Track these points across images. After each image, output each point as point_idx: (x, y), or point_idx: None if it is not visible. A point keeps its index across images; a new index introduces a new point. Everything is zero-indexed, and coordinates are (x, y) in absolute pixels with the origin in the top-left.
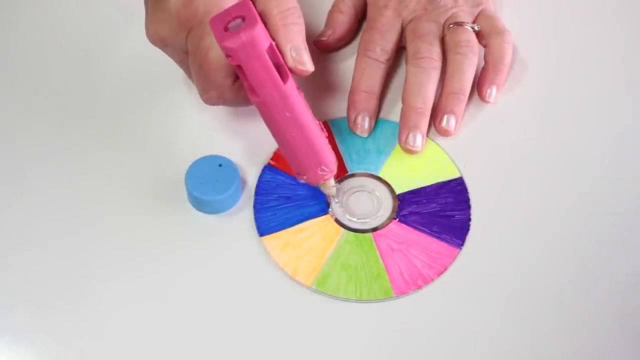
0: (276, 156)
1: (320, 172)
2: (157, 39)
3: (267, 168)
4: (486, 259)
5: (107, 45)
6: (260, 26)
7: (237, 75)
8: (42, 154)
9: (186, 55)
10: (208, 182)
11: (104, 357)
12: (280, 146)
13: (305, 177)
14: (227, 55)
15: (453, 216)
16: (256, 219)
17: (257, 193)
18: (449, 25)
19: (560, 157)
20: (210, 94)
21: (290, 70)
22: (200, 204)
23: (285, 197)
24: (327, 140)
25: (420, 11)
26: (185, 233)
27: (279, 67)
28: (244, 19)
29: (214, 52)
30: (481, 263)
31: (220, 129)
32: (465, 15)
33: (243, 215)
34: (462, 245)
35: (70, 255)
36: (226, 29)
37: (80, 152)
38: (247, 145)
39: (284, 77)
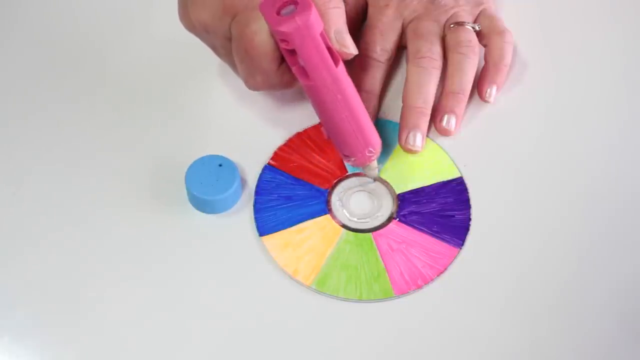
0: (276, 156)
1: (367, 154)
2: (199, 25)
3: (267, 168)
4: (486, 259)
5: (107, 45)
6: (314, 10)
7: (282, 59)
8: (42, 154)
9: (228, 41)
10: (208, 182)
11: (104, 357)
12: (328, 129)
13: (353, 159)
14: (282, 40)
15: (453, 216)
16: (256, 219)
17: (257, 193)
18: (450, 25)
19: (560, 157)
20: (256, 79)
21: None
22: (200, 204)
23: (285, 197)
24: (372, 123)
25: (421, 11)
26: (185, 233)
27: (330, 51)
28: (296, 3)
29: (261, 37)
30: (481, 263)
31: (220, 129)
32: (466, 15)
33: (243, 215)
34: (462, 245)
35: (70, 255)
36: (279, 14)
37: (80, 152)
38: (247, 145)
39: (335, 60)
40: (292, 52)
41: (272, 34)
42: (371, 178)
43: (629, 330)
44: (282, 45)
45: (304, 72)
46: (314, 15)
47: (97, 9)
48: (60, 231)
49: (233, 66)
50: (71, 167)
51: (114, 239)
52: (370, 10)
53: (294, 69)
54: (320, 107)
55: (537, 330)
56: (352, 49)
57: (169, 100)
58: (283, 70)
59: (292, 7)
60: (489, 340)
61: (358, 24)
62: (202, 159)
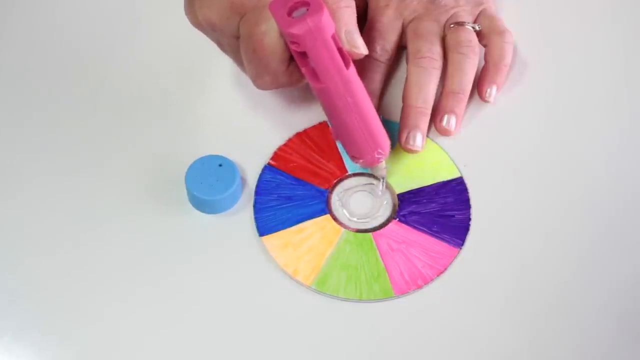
0: (276, 156)
1: (376, 155)
2: (207, 24)
3: (267, 168)
4: (486, 259)
5: (107, 45)
6: (326, 11)
7: (291, 59)
8: (42, 154)
9: (236, 40)
10: (208, 182)
11: (103, 357)
12: (337, 131)
13: (361, 160)
14: (292, 42)
15: (453, 216)
16: (256, 219)
17: (257, 193)
18: (450, 25)
19: (560, 157)
20: (264, 79)
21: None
22: (200, 204)
23: (285, 197)
24: (381, 124)
25: (421, 11)
26: (185, 233)
27: (341, 52)
28: (307, 4)
29: (269, 37)
30: (481, 263)
31: (220, 129)
32: (466, 15)
33: (243, 215)
34: (462, 245)
35: (70, 255)
36: (289, 15)
37: (80, 152)
38: (247, 145)
39: (346, 62)
40: (303, 53)
41: (282, 34)
42: (379, 177)
43: (629, 330)
44: (293, 47)
45: (314, 74)
46: (325, 17)
47: (98, 9)
48: (60, 231)
49: (240, 64)
50: (71, 167)
51: (114, 238)
52: (370, 10)
53: (303, 69)
54: (330, 109)
55: (537, 330)
56: (362, 49)
57: (169, 100)
58: (292, 70)
59: (303, 9)
60: (488, 340)
61: (358, 24)
62: (202, 159)
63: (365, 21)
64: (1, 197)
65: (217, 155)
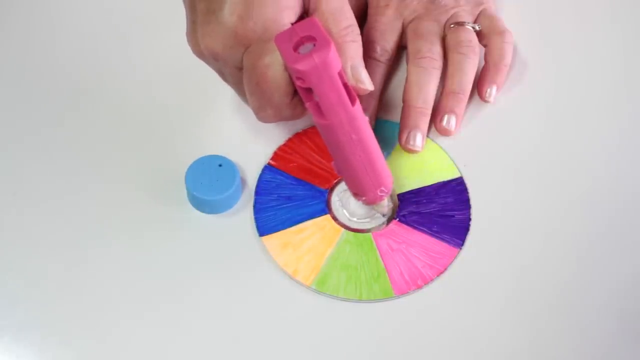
0: (276, 156)
1: (379, 193)
2: (209, 53)
3: (267, 168)
4: (486, 259)
5: (108, 46)
6: (333, 48)
7: (295, 92)
8: (42, 154)
9: (238, 71)
10: (208, 182)
11: (103, 357)
12: (341, 168)
13: (364, 198)
14: (297, 78)
15: (453, 216)
16: (256, 219)
17: (257, 193)
18: (450, 25)
19: (560, 157)
20: (267, 113)
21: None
22: (200, 204)
23: (285, 197)
24: (385, 161)
25: (421, 11)
26: (185, 233)
27: (346, 89)
28: (314, 39)
29: (273, 70)
30: (481, 263)
31: (220, 129)
32: (466, 15)
33: (243, 215)
34: (462, 245)
35: (70, 255)
36: (296, 50)
37: (80, 152)
38: (247, 145)
39: (352, 99)
40: (308, 89)
41: (287, 68)
42: (381, 214)
43: (629, 330)
44: (298, 83)
45: (319, 110)
46: (332, 53)
47: (99, 11)
48: (60, 231)
49: (242, 95)
50: (71, 167)
51: (114, 239)
52: (371, 10)
53: (308, 105)
54: (333, 145)
55: (537, 330)
56: (368, 85)
57: (169, 100)
58: (295, 103)
59: (310, 44)
60: (488, 340)
61: (358, 24)
62: (202, 159)
63: (365, 21)
64: (1, 197)
65: (217, 155)
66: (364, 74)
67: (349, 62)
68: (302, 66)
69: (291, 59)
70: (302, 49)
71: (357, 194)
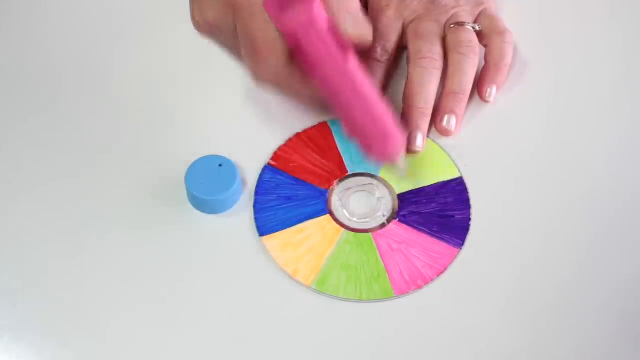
0: (276, 156)
1: (390, 148)
2: (205, 25)
3: (267, 168)
4: (486, 259)
5: (108, 45)
6: (317, 3)
7: (292, 54)
8: (42, 154)
9: (235, 38)
10: (208, 182)
11: (103, 357)
12: (346, 123)
13: (375, 155)
14: (287, 36)
15: (453, 216)
16: (256, 219)
17: (257, 193)
18: (450, 25)
19: (560, 157)
20: (263, 74)
21: (350, 39)
22: (200, 204)
23: (285, 197)
24: (390, 113)
25: (421, 11)
26: (185, 233)
27: (339, 42)
28: None
29: (265, 32)
30: (481, 263)
31: (220, 129)
32: (466, 15)
33: (243, 215)
34: (462, 245)
35: (70, 255)
36: (282, 9)
37: (80, 152)
38: (247, 145)
39: (345, 52)
40: (299, 47)
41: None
42: (401, 174)
43: (629, 330)
44: (287, 41)
45: (313, 67)
46: (317, 9)
47: (99, 9)
48: (60, 231)
49: (242, 61)
50: (71, 167)
51: (114, 238)
52: (371, 10)
53: (303, 63)
54: (334, 99)
55: (537, 330)
56: (367, 35)
57: (169, 100)
58: (293, 68)
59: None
60: (488, 340)
61: None
62: (202, 159)
63: None
64: (1, 197)
65: (217, 155)
66: (365, 24)
67: (346, 12)
68: (288, 24)
69: (277, 18)
70: (290, 9)
71: (367, 151)
